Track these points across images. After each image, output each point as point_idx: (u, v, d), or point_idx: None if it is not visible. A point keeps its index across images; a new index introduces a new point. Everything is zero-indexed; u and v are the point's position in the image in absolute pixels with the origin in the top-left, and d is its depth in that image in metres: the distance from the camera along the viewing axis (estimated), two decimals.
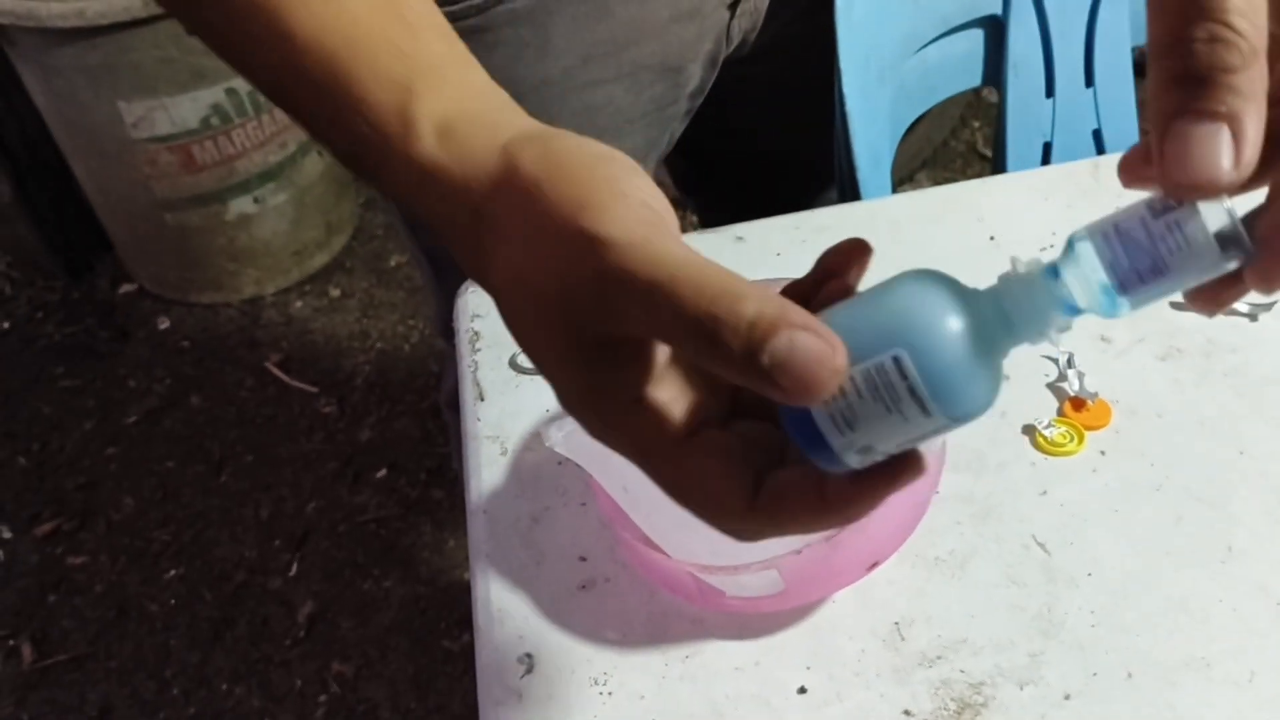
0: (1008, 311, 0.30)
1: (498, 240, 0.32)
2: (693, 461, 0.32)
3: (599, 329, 0.31)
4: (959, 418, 0.30)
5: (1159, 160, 0.28)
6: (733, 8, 0.70)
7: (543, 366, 0.33)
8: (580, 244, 0.30)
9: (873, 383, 0.30)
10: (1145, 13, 0.29)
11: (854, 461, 0.31)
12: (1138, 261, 0.29)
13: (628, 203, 0.31)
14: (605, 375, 0.31)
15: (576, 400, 0.33)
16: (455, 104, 0.34)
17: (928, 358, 0.29)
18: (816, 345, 0.27)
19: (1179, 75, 0.27)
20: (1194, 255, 0.28)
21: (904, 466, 0.31)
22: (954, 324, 0.29)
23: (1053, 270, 0.30)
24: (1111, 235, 0.29)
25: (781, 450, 0.34)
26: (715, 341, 0.28)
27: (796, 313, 0.28)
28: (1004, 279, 0.31)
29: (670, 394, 0.32)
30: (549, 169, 0.32)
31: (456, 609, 1.41)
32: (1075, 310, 0.30)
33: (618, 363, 0.31)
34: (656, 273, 0.29)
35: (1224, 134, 0.27)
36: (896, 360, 0.29)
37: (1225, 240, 0.28)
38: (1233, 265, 0.29)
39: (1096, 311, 0.30)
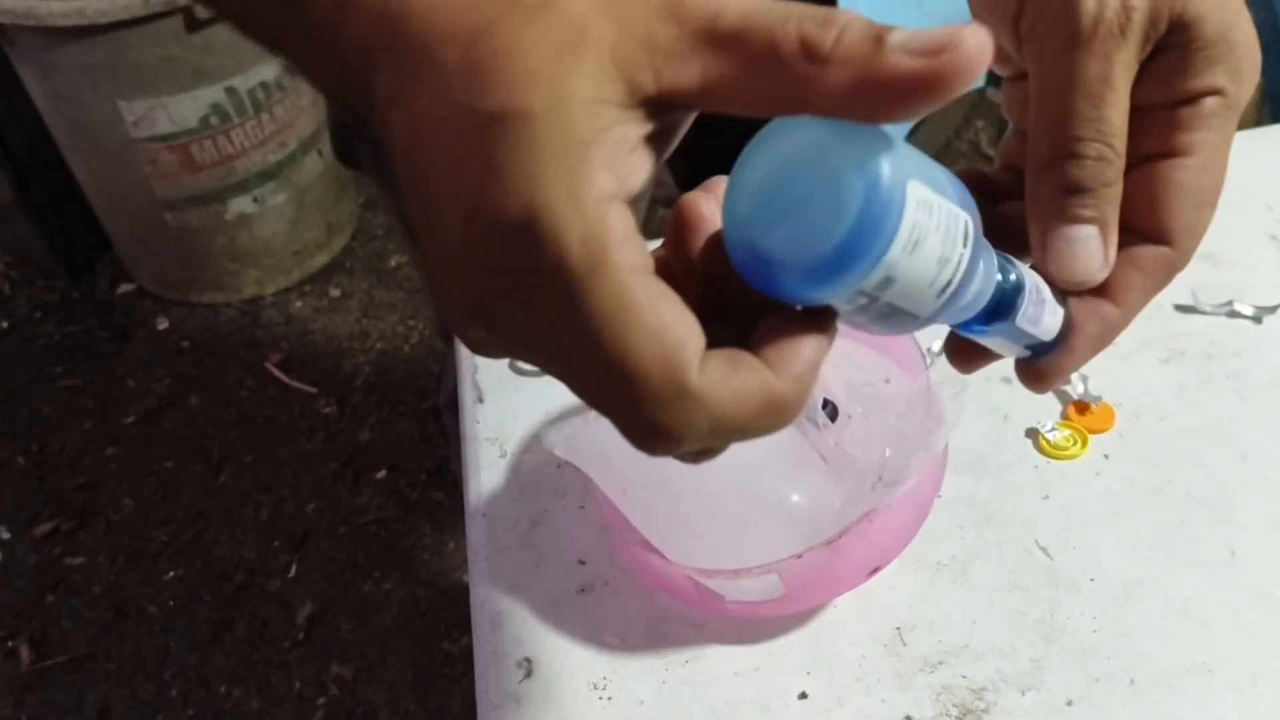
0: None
1: None
2: (644, 293, 0.24)
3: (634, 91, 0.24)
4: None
5: (1041, 258, 0.33)
6: None
7: (459, 151, 0.24)
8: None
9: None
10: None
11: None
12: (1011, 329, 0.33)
13: None
14: (594, 149, 0.24)
15: (505, 186, 0.23)
16: None
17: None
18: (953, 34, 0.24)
19: (1064, 185, 0.32)
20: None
21: (828, 324, 0.27)
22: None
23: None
24: (1031, 294, 0.33)
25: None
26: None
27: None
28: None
29: (633, 211, 0.25)
30: None
31: (456, 611, 1.40)
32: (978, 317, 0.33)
33: (623, 141, 0.25)
34: None
35: (1097, 237, 0.32)
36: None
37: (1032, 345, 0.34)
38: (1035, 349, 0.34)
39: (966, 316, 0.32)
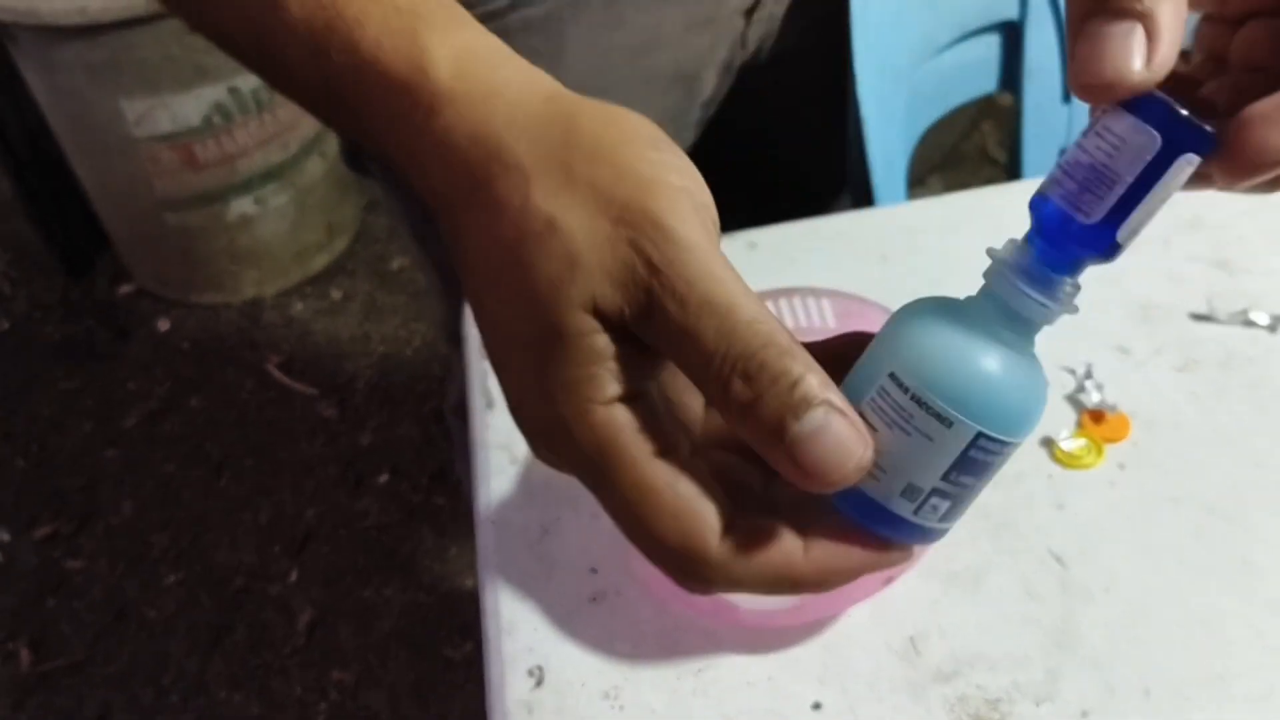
0: (1002, 298, 0.29)
1: (555, 187, 0.29)
2: (661, 478, 0.28)
3: (616, 317, 0.28)
4: (990, 421, 0.28)
5: (1071, 65, 0.27)
6: (748, 15, 0.70)
7: (511, 342, 0.29)
8: (639, 225, 0.28)
9: (881, 410, 0.28)
10: None
11: (907, 512, 0.29)
12: (1087, 180, 0.27)
13: (692, 199, 0.29)
14: (602, 352, 0.28)
15: (545, 380, 0.28)
16: (464, 47, 0.31)
17: (922, 364, 0.28)
18: (849, 434, 0.26)
19: None
20: (1132, 150, 0.26)
21: (890, 545, 0.30)
22: (942, 326, 0.28)
23: (1029, 238, 0.29)
24: (1058, 173, 0.28)
25: (754, 489, 0.31)
26: (750, 385, 0.26)
27: (838, 394, 0.27)
28: (987, 271, 0.29)
29: (647, 405, 0.29)
30: (612, 134, 0.29)
31: (458, 617, 1.40)
32: (1067, 265, 0.28)
33: (621, 348, 0.28)
34: (715, 291, 0.27)
35: (1137, 32, 0.26)
36: (892, 377, 0.28)
37: (1169, 125, 0.26)
38: (1192, 156, 0.26)
39: (1088, 253, 0.28)
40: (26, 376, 1.76)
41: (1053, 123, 0.86)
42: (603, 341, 0.28)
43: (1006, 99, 0.90)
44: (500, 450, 0.60)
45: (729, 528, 0.28)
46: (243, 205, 1.72)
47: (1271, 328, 0.62)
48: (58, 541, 1.53)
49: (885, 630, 0.51)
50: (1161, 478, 0.56)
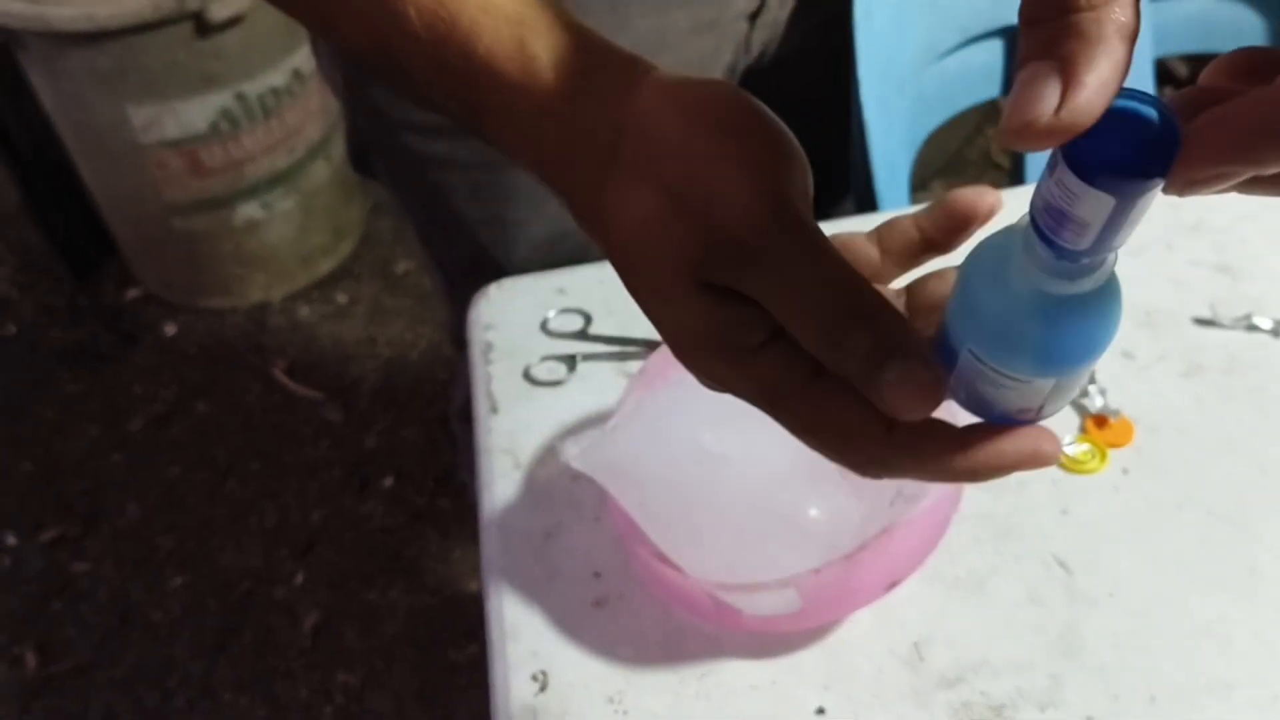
0: (1037, 265, 0.28)
1: (636, 180, 0.32)
2: (824, 395, 0.32)
3: (730, 282, 0.31)
4: (1073, 364, 0.29)
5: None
6: (752, 19, 0.70)
7: (665, 311, 0.33)
8: (751, 199, 0.30)
9: (971, 377, 0.30)
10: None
11: (1025, 418, 0.31)
12: (1062, 219, 0.26)
13: (796, 167, 0.31)
14: (733, 320, 0.32)
15: (699, 346, 0.33)
16: (571, 42, 0.34)
17: (989, 343, 0.29)
18: (925, 377, 0.29)
19: (1028, 19, 0.25)
20: (1089, 203, 0.25)
21: (1042, 439, 0.31)
22: (998, 296, 0.29)
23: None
24: (1038, 201, 0.27)
25: None
26: (847, 335, 0.29)
27: (915, 343, 0.30)
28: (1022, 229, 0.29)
29: (790, 340, 0.32)
30: (725, 115, 0.32)
31: (463, 620, 1.40)
32: (1073, 261, 0.27)
33: (745, 308, 0.31)
34: (821, 253, 0.30)
35: (1052, 76, 0.24)
36: (971, 352, 0.30)
37: (1117, 175, 0.25)
38: (1156, 182, 0.25)
39: (1089, 259, 0.27)
40: (33, 381, 1.76)
41: None
42: (734, 300, 0.31)
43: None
44: (504, 455, 0.60)
45: (893, 421, 0.31)
46: (249, 210, 1.72)
47: (1275, 332, 0.62)
48: (64, 545, 1.54)
49: (889, 635, 0.51)
50: (1165, 482, 0.56)
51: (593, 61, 0.34)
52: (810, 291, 0.30)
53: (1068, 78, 0.24)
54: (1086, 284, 0.28)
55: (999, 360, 0.29)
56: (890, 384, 0.29)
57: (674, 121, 0.32)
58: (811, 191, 0.33)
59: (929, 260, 0.35)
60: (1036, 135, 0.24)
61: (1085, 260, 0.27)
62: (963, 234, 0.34)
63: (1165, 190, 0.26)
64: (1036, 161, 0.87)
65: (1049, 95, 0.24)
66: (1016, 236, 0.29)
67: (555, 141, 0.34)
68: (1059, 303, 0.28)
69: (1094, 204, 0.25)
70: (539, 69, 0.33)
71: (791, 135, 0.33)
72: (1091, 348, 0.29)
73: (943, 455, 0.31)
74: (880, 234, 0.35)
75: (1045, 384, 0.30)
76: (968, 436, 0.31)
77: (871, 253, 0.35)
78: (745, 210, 0.30)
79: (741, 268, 0.31)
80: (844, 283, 0.30)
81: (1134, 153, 0.25)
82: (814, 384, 0.32)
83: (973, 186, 0.34)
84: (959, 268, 0.31)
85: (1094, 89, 0.24)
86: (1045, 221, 0.27)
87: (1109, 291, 0.29)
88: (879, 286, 0.35)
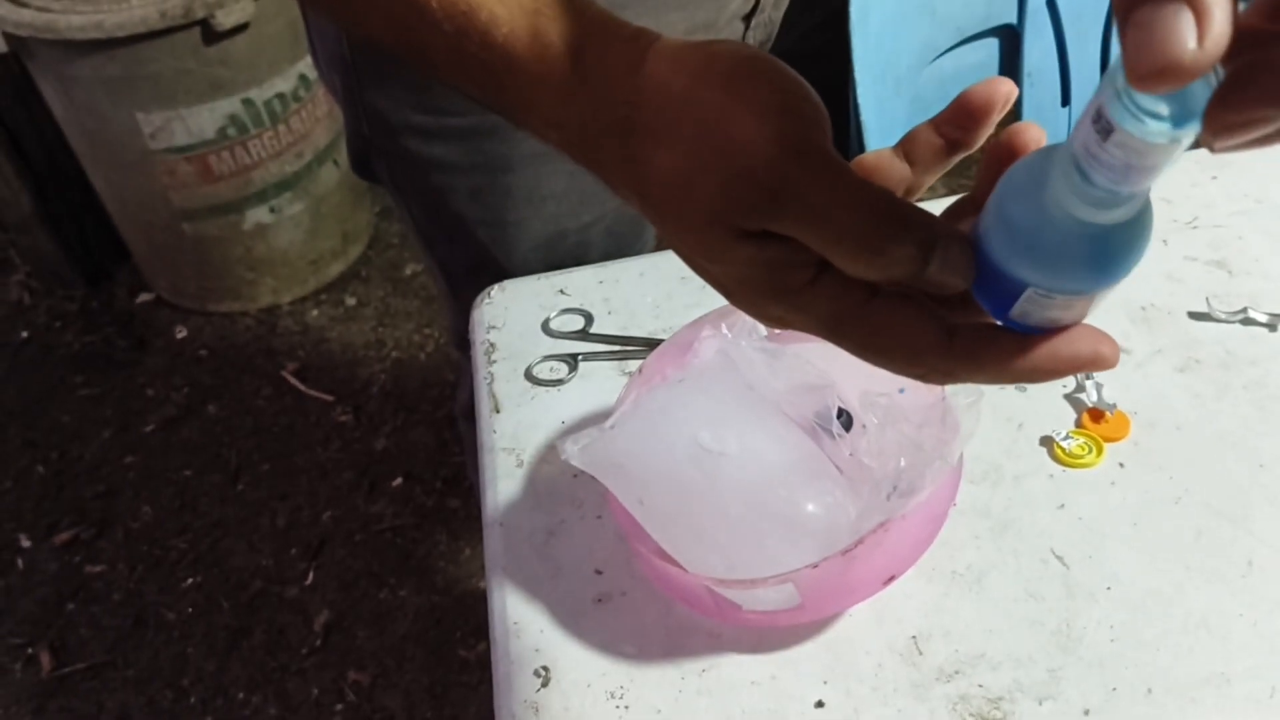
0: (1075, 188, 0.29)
1: (655, 145, 0.33)
2: (882, 315, 0.33)
3: (765, 225, 0.32)
4: (1121, 275, 0.30)
5: (1125, 57, 0.24)
6: (747, 20, 0.70)
7: (712, 265, 0.34)
8: (766, 143, 0.31)
9: (1033, 310, 0.31)
10: None
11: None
12: (1113, 174, 0.27)
13: (806, 104, 0.32)
14: (777, 261, 0.32)
15: (753, 291, 0.34)
16: (582, 26, 0.35)
17: (1032, 271, 0.30)
18: (972, 253, 0.31)
19: None
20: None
21: (1101, 342, 0.32)
22: (1037, 222, 0.29)
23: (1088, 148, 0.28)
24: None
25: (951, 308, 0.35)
26: (888, 245, 0.30)
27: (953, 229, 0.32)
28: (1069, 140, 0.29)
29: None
30: (730, 67, 0.33)
31: (472, 618, 1.41)
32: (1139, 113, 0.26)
33: (786, 248, 0.32)
34: (842, 179, 0.31)
35: (1184, 13, 0.23)
36: (1036, 291, 0.30)
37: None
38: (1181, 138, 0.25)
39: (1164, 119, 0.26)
40: (47, 385, 1.78)
41: (1052, 126, 0.86)
42: (774, 242, 0.32)
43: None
44: (507, 453, 0.60)
45: (953, 331, 0.33)
46: (258, 215, 1.73)
47: (1271, 326, 0.62)
48: (77, 547, 1.55)
49: (888, 630, 0.52)
50: (1163, 477, 0.56)
51: (603, 41, 0.35)
52: (841, 217, 0.31)
53: (1198, 10, 0.23)
54: (1132, 208, 0.29)
55: (1049, 284, 0.30)
56: (939, 269, 0.31)
57: (683, 83, 0.33)
58: (829, 123, 0.33)
59: (956, 160, 0.36)
60: (1183, 73, 0.23)
61: (1131, 192, 0.28)
62: (983, 127, 0.35)
63: (1201, 137, 0.26)
64: None
65: (1185, 30, 0.23)
66: (1056, 165, 0.29)
67: (577, 123, 0.35)
68: (1107, 229, 0.30)
69: (1157, 154, 0.26)
70: (554, 56, 0.35)
71: (798, 76, 0.34)
72: (1135, 258, 0.30)
73: (1004, 359, 0.32)
74: (904, 147, 0.36)
75: (1088, 302, 0.31)
76: (1026, 340, 0.32)
77: (901, 168, 0.36)
78: (762, 154, 0.31)
79: (771, 209, 0.31)
80: (870, 201, 0.31)
81: (1187, 99, 0.25)
82: (869, 306, 0.33)
83: (984, 80, 0.34)
84: (993, 194, 0.31)
85: (1222, 19, 0.24)
86: (1104, 175, 0.27)
87: (1148, 206, 0.30)
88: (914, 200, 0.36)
